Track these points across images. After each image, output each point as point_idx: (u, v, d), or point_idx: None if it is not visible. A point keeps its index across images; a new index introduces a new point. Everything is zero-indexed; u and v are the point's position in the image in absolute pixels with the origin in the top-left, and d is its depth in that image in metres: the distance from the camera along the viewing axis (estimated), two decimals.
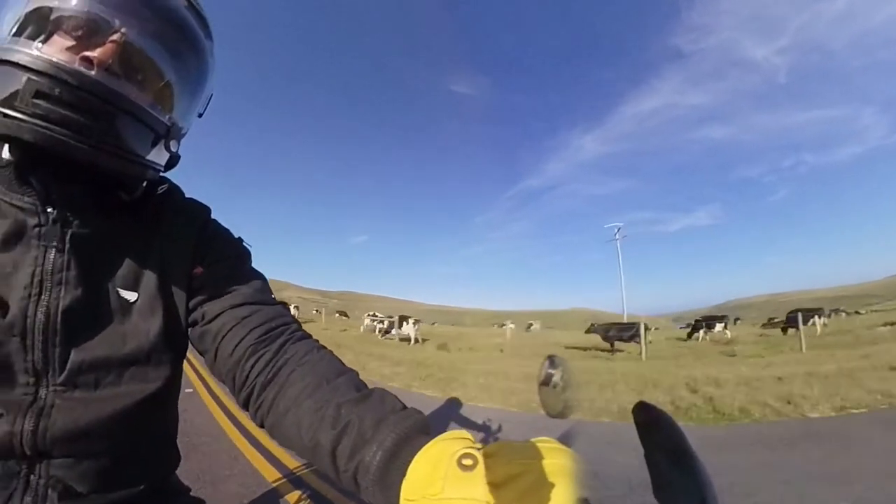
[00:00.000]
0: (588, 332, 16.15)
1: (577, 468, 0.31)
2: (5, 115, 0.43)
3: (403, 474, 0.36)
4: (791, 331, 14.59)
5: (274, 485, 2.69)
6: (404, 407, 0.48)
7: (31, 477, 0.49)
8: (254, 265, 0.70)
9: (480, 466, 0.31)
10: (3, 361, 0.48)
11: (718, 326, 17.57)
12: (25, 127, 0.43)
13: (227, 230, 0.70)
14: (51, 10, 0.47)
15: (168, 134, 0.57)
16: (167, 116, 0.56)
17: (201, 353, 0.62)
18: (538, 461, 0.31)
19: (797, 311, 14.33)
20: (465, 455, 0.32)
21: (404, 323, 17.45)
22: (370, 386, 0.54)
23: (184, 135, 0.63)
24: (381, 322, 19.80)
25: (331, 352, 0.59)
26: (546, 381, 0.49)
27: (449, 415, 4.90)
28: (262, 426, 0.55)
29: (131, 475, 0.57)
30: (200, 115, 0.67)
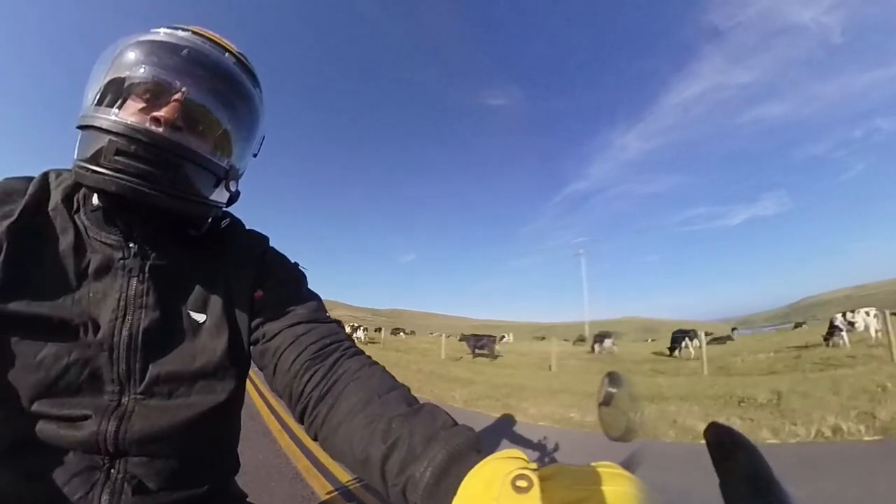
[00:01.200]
0: (460, 340, 16.49)
1: (642, 497, 0.28)
2: (93, 171, 0.53)
3: (454, 492, 0.35)
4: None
5: (326, 497, 2.73)
6: (455, 423, 0.48)
7: (111, 471, 0.56)
8: (309, 287, 0.75)
9: (536, 489, 0.29)
10: (93, 372, 0.56)
11: (607, 342, 17.50)
12: (109, 180, 0.52)
13: (284, 256, 0.77)
14: (123, 79, 0.56)
15: (227, 176, 0.65)
16: (226, 160, 0.64)
17: (261, 369, 0.67)
18: (599, 487, 0.29)
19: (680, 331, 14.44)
20: (520, 476, 0.30)
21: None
22: (421, 401, 0.54)
23: (241, 174, 0.71)
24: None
25: (382, 367, 0.61)
26: (606, 401, 0.45)
27: (502, 432, 4.70)
28: (315, 439, 0.58)
29: (196, 477, 0.64)
30: (255, 156, 0.75)
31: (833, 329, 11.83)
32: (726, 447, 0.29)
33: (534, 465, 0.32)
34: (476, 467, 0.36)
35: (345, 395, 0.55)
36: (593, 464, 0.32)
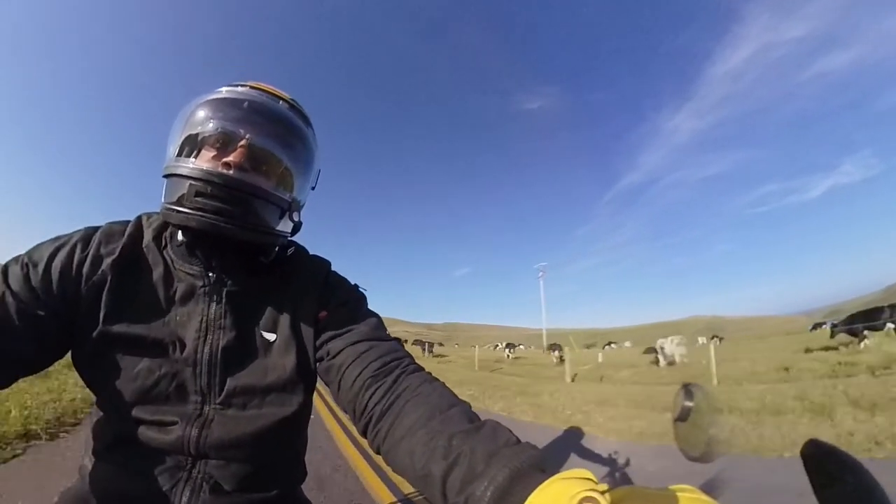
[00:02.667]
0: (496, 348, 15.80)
1: None
2: (178, 211, 0.62)
3: None
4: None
5: None
6: (518, 441, 0.48)
7: (193, 471, 0.64)
8: (369, 307, 0.80)
9: None
10: (180, 384, 0.65)
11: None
12: (191, 217, 0.61)
13: (345, 279, 0.82)
14: (197, 134, 0.66)
15: (290, 207, 0.72)
16: (288, 194, 0.72)
17: (327, 385, 0.71)
18: None
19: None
20: (588, 499, 0.29)
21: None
22: (482, 417, 0.54)
23: (302, 206, 0.78)
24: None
25: (443, 383, 0.63)
26: (682, 416, 0.41)
27: (568, 447, 4.41)
28: (378, 452, 0.60)
29: (266, 482, 0.70)
30: (313, 188, 0.82)
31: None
32: (829, 469, 0.25)
33: (604, 487, 0.31)
34: (540, 488, 0.34)
35: (406, 410, 0.57)
36: (671, 487, 0.30)
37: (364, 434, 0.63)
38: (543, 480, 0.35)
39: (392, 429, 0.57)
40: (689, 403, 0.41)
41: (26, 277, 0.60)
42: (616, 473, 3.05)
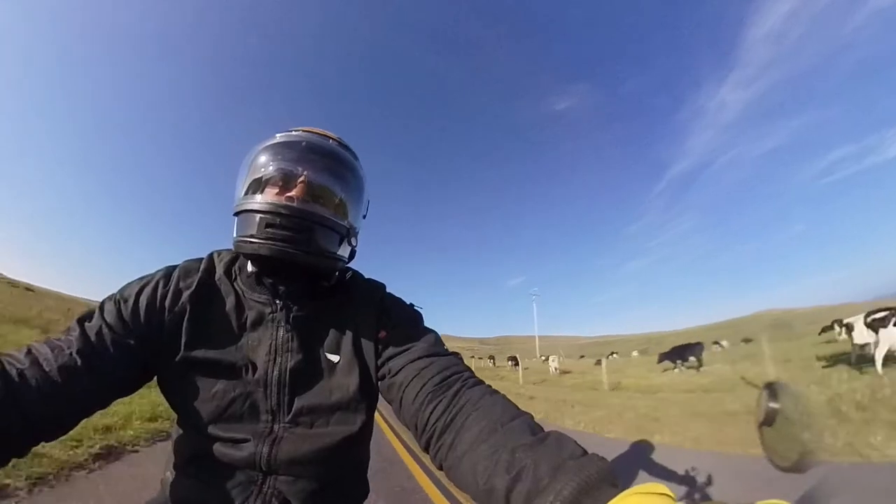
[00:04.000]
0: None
1: None
2: (250, 242, 0.68)
3: None
4: None
5: None
6: (585, 452, 0.46)
7: (263, 486, 0.68)
8: (426, 324, 0.82)
9: None
10: (252, 404, 0.70)
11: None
12: (263, 246, 0.67)
13: (400, 298, 0.86)
14: (260, 177, 0.74)
15: (348, 233, 0.78)
16: (345, 222, 0.77)
17: (389, 403, 0.73)
18: None
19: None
20: None
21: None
22: (546, 429, 0.53)
23: (357, 233, 0.83)
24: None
25: (504, 396, 0.63)
26: (768, 420, 0.37)
27: (638, 460, 4.12)
28: (440, 468, 0.61)
29: (331, 498, 0.73)
30: (365, 217, 0.88)
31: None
32: None
33: None
34: (611, 503, 0.33)
35: (468, 424, 0.57)
36: (759, 503, 0.27)
37: (426, 450, 0.64)
38: (615, 495, 0.33)
39: (454, 443, 0.57)
40: (774, 405, 0.36)
41: (119, 312, 0.68)
42: (696, 494, 2.79)
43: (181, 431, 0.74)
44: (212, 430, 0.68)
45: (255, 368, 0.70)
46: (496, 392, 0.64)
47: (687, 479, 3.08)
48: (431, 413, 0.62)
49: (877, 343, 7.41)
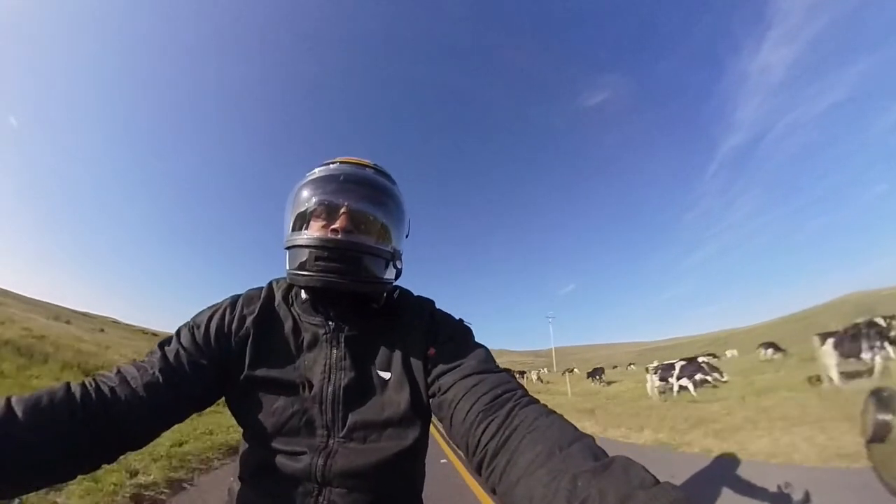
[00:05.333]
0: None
1: None
2: (302, 275, 0.74)
3: None
4: None
5: None
6: (656, 480, 0.42)
7: (319, 498, 0.70)
8: (476, 339, 0.82)
9: None
10: (309, 419, 0.73)
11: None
12: (315, 279, 0.73)
13: (449, 314, 0.87)
14: (305, 211, 0.79)
15: (393, 257, 0.81)
16: (389, 246, 0.81)
17: (440, 421, 0.73)
18: None
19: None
20: None
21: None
22: (610, 453, 0.49)
23: (401, 254, 0.86)
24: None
25: (561, 416, 0.60)
26: (879, 435, 0.30)
27: (720, 479, 3.64)
28: (493, 493, 0.58)
29: None
30: (407, 236, 0.91)
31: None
32: None
33: None
34: None
35: (522, 447, 0.55)
36: None
37: (478, 472, 0.62)
38: None
39: (508, 467, 0.55)
40: (884, 417, 0.29)
41: (192, 337, 0.76)
42: None
43: (247, 445, 0.78)
44: (273, 443, 0.73)
45: (311, 386, 0.75)
46: (552, 412, 0.61)
47: (781, 498, 2.71)
48: (483, 433, 0.60)
49: None
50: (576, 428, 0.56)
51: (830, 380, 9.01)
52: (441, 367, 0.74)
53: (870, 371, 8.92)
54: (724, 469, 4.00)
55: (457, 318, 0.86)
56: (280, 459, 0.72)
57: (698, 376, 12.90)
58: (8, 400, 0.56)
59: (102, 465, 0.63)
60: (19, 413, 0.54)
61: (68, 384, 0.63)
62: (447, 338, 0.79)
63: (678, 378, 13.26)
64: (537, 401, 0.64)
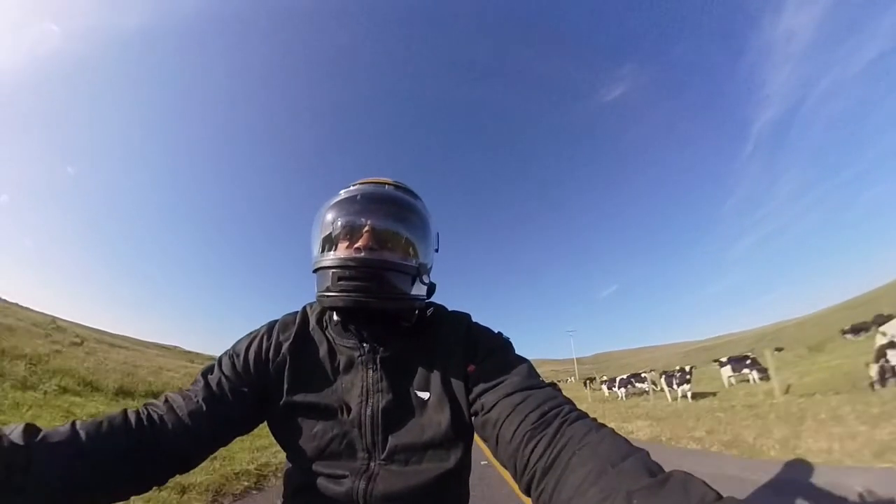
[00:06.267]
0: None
1: None
2: (328, 296, 0.74)
3: None
4: None
5: None
6: (719, 496, 0.39)
7: None
8: (516, 352, 0.79)
9: None
10: (349, 443, 0.73)
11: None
12: (338, 298, 0.73)
13: (487, 328, 0.85)
14: (330, 233, 0.80)
15: (419, 272, 0.80)
16: (414, 261, 0.80)
17: (484, 441, 0.70)
18: None
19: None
20: None
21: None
22: (666, 468, 0.46)
23: (430, 269, 0.85)
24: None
25: (612, 430, 0.56)
26: None
27: (792, 488, 3.35)
28: None
29: None
30: (437, 250, 0.90)
31: None
32: None
33: None
34: None
35: (572, 465, 0.52)
36: None
37: (527, 493, 0.59)
38: None
39: (558, 487, 0.52)
40: None
41: (232, 364, 0.79)
42: None
43: (290, 467, 0.79)
44: (315, 466, 0.73)
45: (349, 409, 0.74)
46: (603, 426, 0.58)
47: None
48: (531, 453, 0.58)
49: None
50: (629, 442, 0.53)
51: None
52: (482, 385, 0.71)
53: None
54: (795, 476, 3.65)
55: (495, 331, 0.84)
56: (323, 482, 0.72)
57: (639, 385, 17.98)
58: (73, 423, 0.60)
59: (153, 487, 0.67)
60: (83, 435, 0.58)
61: (125, 411, 0.68)
62: (487, 353, 0.77)
63: (620, 387, 18.25)
64: (586, 415, 0.61)
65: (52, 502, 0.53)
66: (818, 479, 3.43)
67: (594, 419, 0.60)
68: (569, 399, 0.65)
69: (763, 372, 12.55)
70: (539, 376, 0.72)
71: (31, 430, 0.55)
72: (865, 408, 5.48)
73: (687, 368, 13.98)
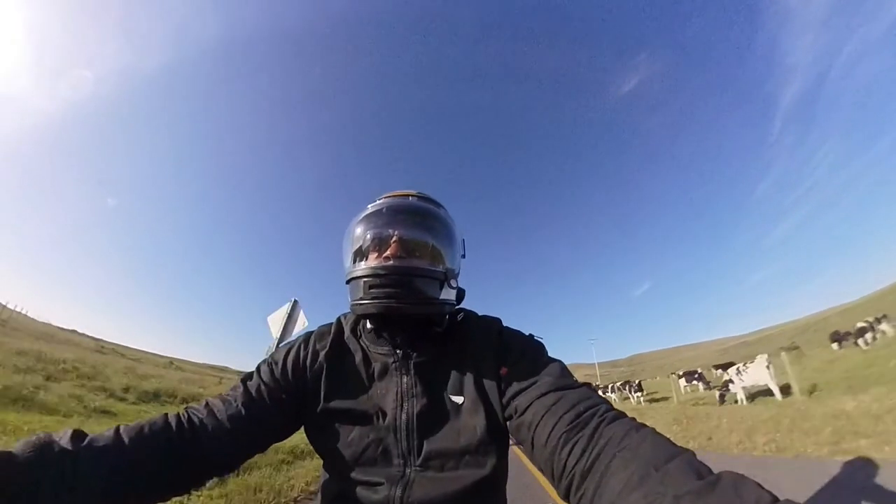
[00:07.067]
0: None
1: None
2: (360, 304, 0.77)
3: None
4: None
5: None
6: (774, 498, 0.36)
7: None
8: (549, 354, 0.79)
9: None
10: (385, 449, 0.74)
11: None
12: (370, 305, 0.75)
13: (518, 331, 0.85)
14: (360, 246, 0.83)
15: (446, 277, 0.82)
16: (441, 266, 0.82)
17: (520, 444, 0.69)
18: None
19: None
20: None
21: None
22: (713, 469, 0.43)
23: (457, 274, 0.87)
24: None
25: (653, 430, 0.54)
26: None
27: (857, 487, 3.13)
28: None
29: None
30: (464, 256, 0.92)
31: None
32: None
33: None
34: None
35: (613, 468, 0.49)
36: None
37: (566, 498, 0.56)
38: None
39: (598, 492, 0.49)
40: None
41: (272, 373, 0.82)
42: None
43: (327, 475, 0.81)
44: (352, 473, 0.74)
45: (384, 415, 0.75)
46: (643, 426, 0.55)
47: None
48: (568, 456, 0.55)
49: None
50: (672, 442, 0.50)
51: None
52: (515, 387, 0.71)
53: None
54: (858, 476, 3.40)
55: (526, 333, 0.84)
56: (359, 490, 0.73)
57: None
58: (117, 428, 0.63)
59: (193, 489, 0.69)
60: (126, 439, 0.61)
61: (167, 415, 0.71)
62: (519, 355, 0.76)
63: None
64: (625, 414, 0.59)
65: (98, 503, 0.56)
66: (884, 480, 3.18)
67: (633, 419, 0.57)
68: (605, 399, 0.63)
69: (707, 384, 18.23)
70: (573, 376, 0.71)
71: (78, 435, 0.59)
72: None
73: (635, 382, 23.11)
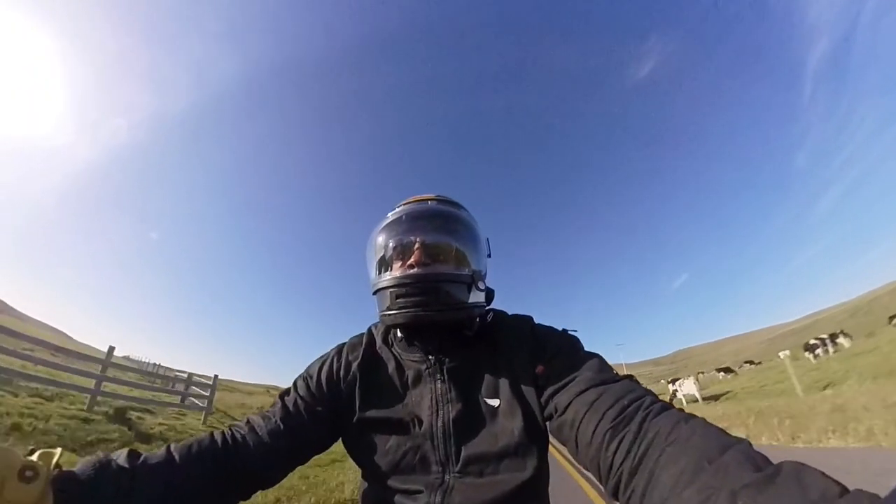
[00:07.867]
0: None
1: None
2: (389, 314, 0.77)
3: None
4: None
5: None
6: (844, 489, 0.34)
7: None
8: (586, 349, 0.76)
9: None
10: (422, 456, 0.73)
11: None
12: (399, 315, 0.75)
13: (551, 327, 0.83)
14: (383, 256, 0.83)
15: (473, 279, 0.80)
16: (467, 269, 0.81)
17: (563, 444, 0.66)
18: None
19: None
20: None
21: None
22: (772, 458, 0.40)
23: (484, 275, 0.86)
24: None
25: (704, 420, 0.51)
26: None
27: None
28: None
29: None
30: (489, 256, 0.91)
31: None
32: None
33: None
34: None
35: (662, 462, 0.47)
36: None
37: (615, 497, 0.54)
38: None
39: (649, 488, 0.47)
40: None
41: (307, 386, 0.83)
42: None
43: (366, 484, 0.81)
44: (390, 482, 0.73)
45: (420, 422, 0.75)
46: (692, 416, 0.52)
47: None
48: (615, 453, 0.53)
49: None
50: (725, 432, 0.47)
51: None
52: (553, 386, 0.69)
53: None
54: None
55: (559, 329, 0.82)
56: (399, 498, 0.72)
57: None
58: (168, 447, 0.66)
59: (238, 502, 0.71)
60: (177, 457, 0.64)
61: (213, 433, 0.73)
62: (554, 352, 0.74)
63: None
64: (671, 406, 0.56)
65: None
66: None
67: (681, 409, 0.54)
68: (649, 390, 0.60)
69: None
70: (612, 370, 0.68)
71: (133, 454, 0.61)
72: None
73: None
